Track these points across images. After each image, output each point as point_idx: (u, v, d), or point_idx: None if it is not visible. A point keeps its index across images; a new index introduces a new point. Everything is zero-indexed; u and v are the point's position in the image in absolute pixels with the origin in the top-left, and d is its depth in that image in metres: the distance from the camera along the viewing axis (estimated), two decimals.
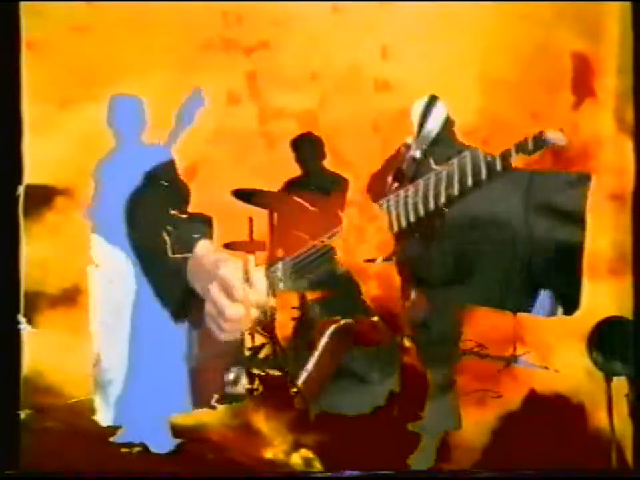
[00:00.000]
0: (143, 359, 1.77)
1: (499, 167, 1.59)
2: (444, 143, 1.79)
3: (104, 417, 1.73)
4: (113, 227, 1.78)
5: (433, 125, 1.76)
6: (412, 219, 1.63)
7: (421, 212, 1.62)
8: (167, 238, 1.72)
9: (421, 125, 1.79)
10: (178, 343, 1.78)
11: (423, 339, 1.70)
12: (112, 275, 1.76)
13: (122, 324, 1.75)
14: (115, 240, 1.78)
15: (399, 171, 1.66)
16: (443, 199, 1.60)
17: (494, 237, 1.65)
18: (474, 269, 1.63)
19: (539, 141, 1.59)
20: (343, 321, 1.97)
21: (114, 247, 1.78)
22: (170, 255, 1.71)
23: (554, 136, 1.60)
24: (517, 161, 1.75)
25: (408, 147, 1.71)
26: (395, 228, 1.67)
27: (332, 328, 1.88)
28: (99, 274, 1.77)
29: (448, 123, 1.82)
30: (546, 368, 1.90)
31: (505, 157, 1.61)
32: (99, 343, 1.72)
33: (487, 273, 1.63)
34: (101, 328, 1.73)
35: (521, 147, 1.60)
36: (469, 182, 1.59)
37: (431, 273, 1.65)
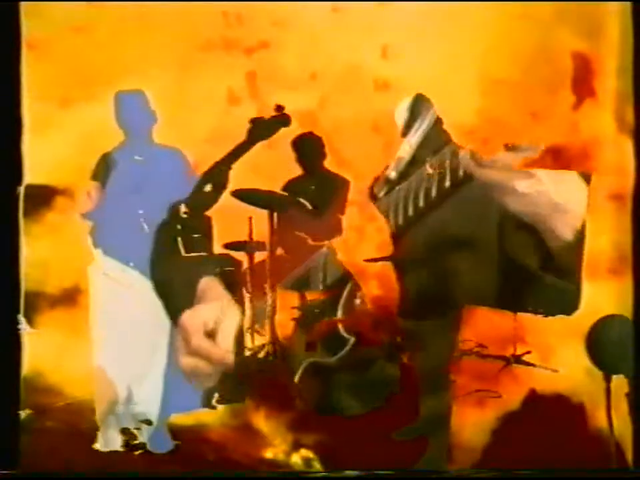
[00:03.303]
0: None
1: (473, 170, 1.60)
2: (433, 141, 1.80)
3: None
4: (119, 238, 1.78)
5: (421, 123, 1.76)
6: (406, 215, 1.64)
7: (410, 211, 1.63)
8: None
9: (409, 124, 1.78)
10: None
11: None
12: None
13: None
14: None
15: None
16: (432, 194, 1.61)
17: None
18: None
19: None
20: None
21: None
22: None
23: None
24: (517, 161, 1.75)
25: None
26: (393, 225, 1.67)
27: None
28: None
29: (437, 121, 1.82)
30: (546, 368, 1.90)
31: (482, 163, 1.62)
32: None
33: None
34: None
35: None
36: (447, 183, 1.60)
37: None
